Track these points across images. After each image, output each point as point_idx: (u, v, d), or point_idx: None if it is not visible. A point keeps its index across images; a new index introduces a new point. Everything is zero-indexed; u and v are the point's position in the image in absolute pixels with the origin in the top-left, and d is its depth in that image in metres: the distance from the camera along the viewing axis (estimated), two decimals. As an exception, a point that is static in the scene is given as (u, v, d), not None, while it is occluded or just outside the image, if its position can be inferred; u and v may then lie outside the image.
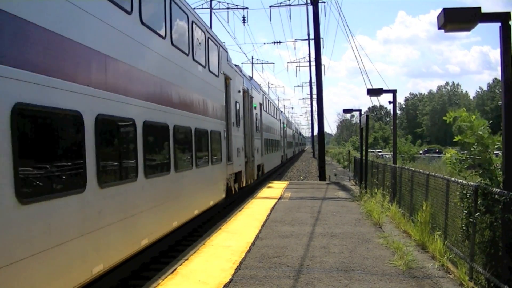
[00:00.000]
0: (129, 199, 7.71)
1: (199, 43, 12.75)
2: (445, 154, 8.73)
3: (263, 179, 27.17)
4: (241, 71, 20.74)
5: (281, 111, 52.62)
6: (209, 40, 13.91)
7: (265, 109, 29.01)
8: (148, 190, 8.46)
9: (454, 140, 7.56)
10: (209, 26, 16.26)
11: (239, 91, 19.00)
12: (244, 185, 19.25)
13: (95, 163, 6.46)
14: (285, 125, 51.08)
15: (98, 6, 6.89)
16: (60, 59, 5.78)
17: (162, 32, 9.58)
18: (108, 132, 7.19)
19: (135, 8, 8.19)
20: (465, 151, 7.42)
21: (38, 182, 5.32)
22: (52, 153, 5.67)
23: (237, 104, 18.37)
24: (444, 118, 7.81)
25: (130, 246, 7.74)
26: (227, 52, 17.04)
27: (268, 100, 32.22)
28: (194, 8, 12.19)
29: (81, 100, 6.17)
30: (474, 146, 6.97)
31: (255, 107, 23.93)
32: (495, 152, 7.07)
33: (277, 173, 37.24)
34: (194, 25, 12.09)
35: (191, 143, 11.49)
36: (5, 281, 4.63)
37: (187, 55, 11.42)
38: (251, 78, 26.80)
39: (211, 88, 13.89)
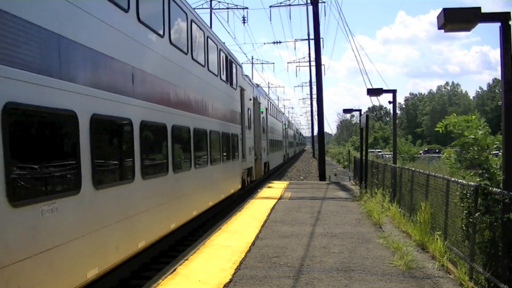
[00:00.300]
0: (184, 181, 11.07)
1: (224, 65, 16.26)
2: (443, 154, 8.74)
3: (268, 175, 31.63)
4: (250, 81, 24.33)
5: (283, 113, 54.66)
6: (231, 62, 17.63)
7: (270, 113, 31.88)
8: (207, 175, 13.45)
9: (451, 145, 7.59)
10: (211, 28, 20.44)
11: (250, 99, 22.60)
12: (254, 179, 23.12)
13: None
14: (286, 126, 53.18)
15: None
16: (56, 57, 5.78)
17: (202, 62, 13.22)
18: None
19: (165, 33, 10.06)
20: (464, 151, 7.43)
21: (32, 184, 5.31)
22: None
23: (249, 111, 22.07)
24: (436, 129, 7.84)
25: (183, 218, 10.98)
26: (242, 67, 20.82)
27: (272, 105, 35.85)
28: (194, 8, 12.36)
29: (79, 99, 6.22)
30: (471, 147, 6.98)
31: (262, 112, 27.39)
32: (495, 152, 7.08)
33: (277, 173, 37.57)
34: (222, 53, 15.91)
35: (220, 143, 15.19)
36: (8, 279, 4.74)
37: (217, 76, 15.07)
38: (257, 85, 29.55)
39: (231, 99, 17.69)
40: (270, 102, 33.85)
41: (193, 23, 12.10)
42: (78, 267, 6.12)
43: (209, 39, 13.98)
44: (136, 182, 8.02)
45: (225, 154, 15.88)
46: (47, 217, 5.42)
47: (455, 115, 7.64)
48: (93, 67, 6.75)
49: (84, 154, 6.27)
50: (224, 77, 16.06)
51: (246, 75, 22.92)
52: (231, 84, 17.28)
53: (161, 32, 9.62)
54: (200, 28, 13.05)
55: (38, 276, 5.25)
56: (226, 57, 16.56)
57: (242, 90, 19.62)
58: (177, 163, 10.33)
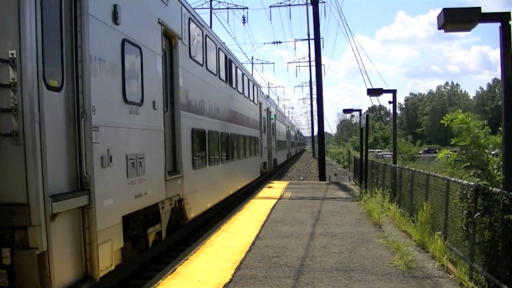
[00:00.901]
0: (229, 170, 16.61)
1: (251, 89, 22.86)
2: (437, 154, 8.71)
3: (277, 167, 38.98)
4: (263, 94, 30.91)
5: (286, 117, 62.35)
6: (254, 84, 23.98)
7: (277, 119, 39.26)
8: (238, 166, 18.35)
9: (451, 143, 7.57)
10: (211, 28, 22.26)
11: (265, 110, 28.93)
12: (267, 170, 29.72)
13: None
14: (289, 128, 58.66)
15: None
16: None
17: (241, 91, 19.57)
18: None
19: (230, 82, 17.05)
20: (463, 151, 7.42)
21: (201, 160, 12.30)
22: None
23: (264, 119, 28.10)
24: (442, 121, 7.80)
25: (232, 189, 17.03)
26: (260, 87, 27.98)
27: (279, 111, 44.83)
28: (194, 8, 12.37)
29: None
30: (470, 148, 6.97)
31: (272, 118, 33.31)
32: (494, 152, 7.07)
33: (281, 169, 41.20)
34: (250, 81, 22.45)
35: (250, 144, 21.52)
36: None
37: (247, 98, 21.42)
38: (268, 97, 35.12)
39: (255, 112, 24.28)
40: (277, 110, 42.58)
41: (238, 69, 18.91)
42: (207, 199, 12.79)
43: (244, 75, 20.47)
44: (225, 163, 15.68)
45: (252, 151, 22.39)
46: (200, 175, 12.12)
47: (460, 111, 7.61)
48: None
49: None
50: (251, 98, 22.78)
51: (261, 91, 29.91)
52: (254, 101, 23.92)
53: (225, 80, 15.87)
54: (236, 66, 18.50)
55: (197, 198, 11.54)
56: (253, 83, 23.78)
57: (260, 104, 26.53)
58: (229, 155, 16.41)
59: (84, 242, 5.96)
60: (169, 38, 9.82)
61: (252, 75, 24.88)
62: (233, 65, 17.62)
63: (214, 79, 14.17)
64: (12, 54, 4.97)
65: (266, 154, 28.71)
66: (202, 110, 12.49)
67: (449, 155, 7.72)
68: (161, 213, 8.92)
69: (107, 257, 6.45)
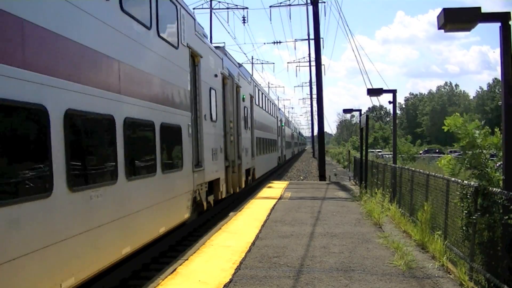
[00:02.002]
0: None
1: (272, 108, 30.96)
2: (440, 161, 8.66)
3: (286, 161, 41.59)
4: (277, 107, 40.12)
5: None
6: (273, 104, 31.81)
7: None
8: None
9: (452, 149, 7.59)
10: (211, 28, 25.97)
11: (280, 120, 29.55)
12: (281, 162, 39.75)
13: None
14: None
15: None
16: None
17: (268, 111, 30.49)
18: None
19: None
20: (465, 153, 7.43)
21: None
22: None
23: (278, 127, 28.89)
24: (443, 127, 7.82)
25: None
26: (276, 105, 38.26)
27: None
28: (194, 8, 12.26)
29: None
30: (468, 150, 6.98)
31: (283, 126, 32.76)
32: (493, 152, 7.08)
33: (276, 173, 37.07)
34: (271, 103, 34.50)
35: (273, 144, 30.66)
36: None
37: (271, 115, 30.51)
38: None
39: (273, 123, 34.80)
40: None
41: (266, 98, 29.60)
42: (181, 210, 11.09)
43: (268, 100, 33.23)
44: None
45: (273, 149, 34.99)
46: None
47: (458, 114, 7.61)
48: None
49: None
50: (272, 114, 33.64)
51: (277, 107, 42.28)
52: (273, 115, 35.12)
53: (264, 109, 25.80)
54: (266, 96, 30.58)
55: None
56: (273, 103, 36.70)
57: (277, 117, 37.84)
58: (265, 151, 24.94)
59: (239, 174, 16.65)
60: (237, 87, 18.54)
61: (269, 93, 34.98)
62: (265, 97, 28.29)
63: (261, 110, 24.70)
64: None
65: (280, 151, 40.90)
66: (258, 127, 23.16)
67: (450, 161, 7.71)
68: (250, 173, 19.26)
69: (243, 181, 17.88)
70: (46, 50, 5.66)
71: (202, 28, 14.38)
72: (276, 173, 37.01)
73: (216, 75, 14.97)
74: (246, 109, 20.85)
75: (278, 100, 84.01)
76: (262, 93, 29.20)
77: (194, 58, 12.41)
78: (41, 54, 5.56)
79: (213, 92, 14.23)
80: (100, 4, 7.06)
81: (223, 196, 15.40)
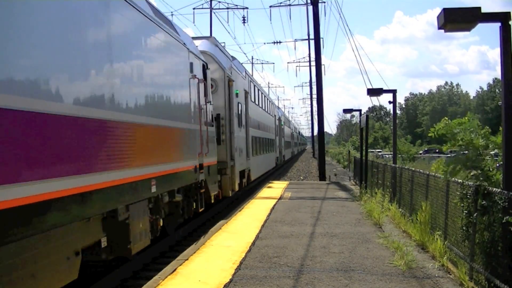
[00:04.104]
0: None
1: (269, 105, 32.91)
2: (433, 166, 8.63)
3: (285, 162, 44.83)
4: (275, 105, 43.08)
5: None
6: (271, 102, 33.65)
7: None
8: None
9: (443, 150, 7.56)
10: (211, 28, 27.07)
11: (278, 119, 32.92)
12: (279, 162, 41.45)
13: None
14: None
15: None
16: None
17: (265, 108, 30.44)
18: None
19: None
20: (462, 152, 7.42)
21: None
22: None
23: (277, 126, 33.16)
24: (430, 134, 7.86)
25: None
26: (274, 103, 40.17)
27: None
28: (194, 8, 12.37)
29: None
30: (466, 151, 6.98)
31: (282, 125, 32.60)
32: (494, 152, 7.07)
33: (276, 174, 37.06)
34: (268, 101, 33.78)
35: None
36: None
37: (268, 114, 32.28)
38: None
39: (271, 121, 34.58)
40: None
41: (263, 95, 31.03)
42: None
43: (266, 97, 32.51)
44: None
45: (271, 149, 33.63)
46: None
47: (447, 119, 7.64)
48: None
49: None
50: (270, 112, 33.72)
51: (275, 105, 43.14)
52: (271, 114, 34.57)
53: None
54: (262, 93, 30.67)
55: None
56: (270, 101, 35.79)
57: (275, 116, 36.40)
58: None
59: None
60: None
61: (268, 94, 35.91)
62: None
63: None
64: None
65: (278, 151, 38.50)
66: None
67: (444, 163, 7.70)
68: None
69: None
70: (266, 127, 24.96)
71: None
72: (276, 173, 36.88)
73: (278, 119, 32.79)
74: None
75: (278, 100, 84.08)
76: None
77: (275, 117, 40.75)
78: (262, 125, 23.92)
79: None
80: (259, 110, 24.62)
81: (279, 163, 30.52)
